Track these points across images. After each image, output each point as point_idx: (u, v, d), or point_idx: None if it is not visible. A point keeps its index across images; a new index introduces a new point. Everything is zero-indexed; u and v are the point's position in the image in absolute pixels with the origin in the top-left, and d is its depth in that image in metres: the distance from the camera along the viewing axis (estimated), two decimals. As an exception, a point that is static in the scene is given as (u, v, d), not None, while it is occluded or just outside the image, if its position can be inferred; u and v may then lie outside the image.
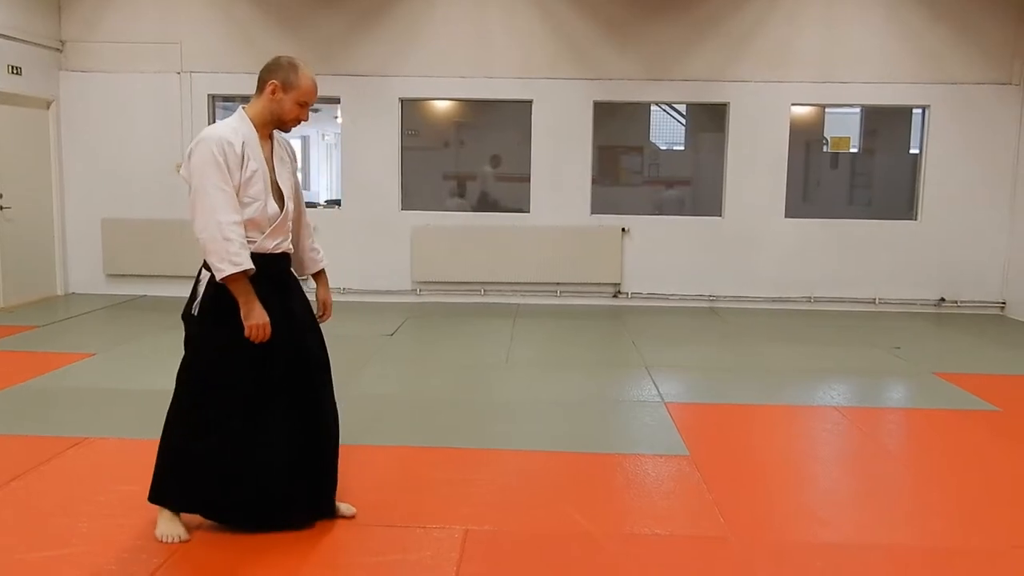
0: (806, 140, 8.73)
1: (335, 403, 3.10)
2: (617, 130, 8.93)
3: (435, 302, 8.38)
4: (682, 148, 9.55)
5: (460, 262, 8.33)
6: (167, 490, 2.91)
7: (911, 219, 8.40)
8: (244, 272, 2.69)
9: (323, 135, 15.10)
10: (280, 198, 2.92)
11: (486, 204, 8.86)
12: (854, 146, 9.05)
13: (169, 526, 2.92)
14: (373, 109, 8.29)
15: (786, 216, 8.32)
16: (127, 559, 2.79)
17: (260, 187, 2.80)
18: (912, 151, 8.57)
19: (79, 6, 8.26)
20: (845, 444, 4.33)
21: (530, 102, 8.27)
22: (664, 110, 9.15)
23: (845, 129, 9.05)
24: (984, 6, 8.00)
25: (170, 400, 2.93)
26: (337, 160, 11.32)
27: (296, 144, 13.65)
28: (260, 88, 2.87)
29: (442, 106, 8.81)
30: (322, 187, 15.39)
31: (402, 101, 8.34)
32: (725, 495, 3.45)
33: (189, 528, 2.95)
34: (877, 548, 3.01)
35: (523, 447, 4.03)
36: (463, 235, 8.35)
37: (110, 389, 4.97)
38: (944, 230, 8.28)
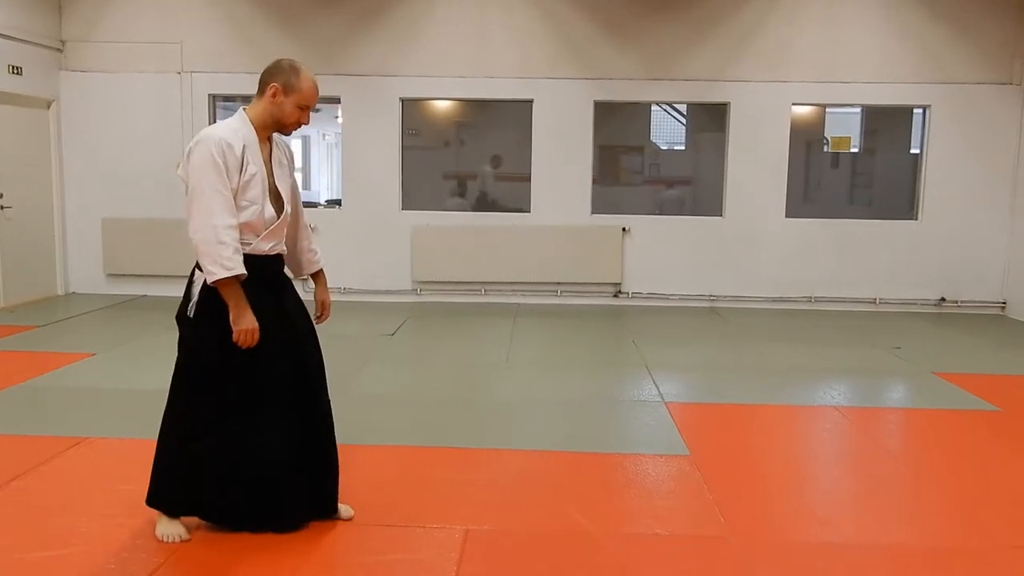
0: (807, 140, 8.72)
1: (329, 403, 3.10)
2: (617, 130, 8.93)
3: (435, 302, 8.38)
4: (683, 148, 9.55)
5: (460, 262, 8.33)
6: (164, 494, 2.91)
7: (912, 219, 8.40)
8: (236, 277, 2.69)
9: (323, 135, 15.10)
10: (278, 201, 2.92)
11: (487, 204, 8.86)
12: (854, 146, 9.05)
13: (169, 526, 2.92)
14: (373, 109, 8.29)
15: (787, 216, 8.32)
16: (127, 559, 2.79)
17: (258, 190, 2.80)
18: (912, 151, 8.57)
19: (79, 6, 8.26)
20: (845, 444, 4.33)
21: (530, 102, 8.27)
22: (664, 110, 9.15)
23: (846, 129, 9.04)
24: (984, 6, 8.00)
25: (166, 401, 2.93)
26: (337, 160, 11.32)
27: (296, 144, 13.66)
28: (261, 90, 2.87)
29: (442, 106, 8.81)
30: (322, 187, 15.39)
31: (402, 101, 8.34)
32: (725, 495, 3.45)
33: (189, 528, 2.95)
34: (877, 548, 3.01)
35: (523, 447, 4.03)
36: (463, 235, 8.35)
37: (110, 389, 4.97)
38: (944, 230, 8.28)
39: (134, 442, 3.88)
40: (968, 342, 6.97)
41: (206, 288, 2.75)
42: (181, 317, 2.86)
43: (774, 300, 8.39)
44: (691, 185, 9.11)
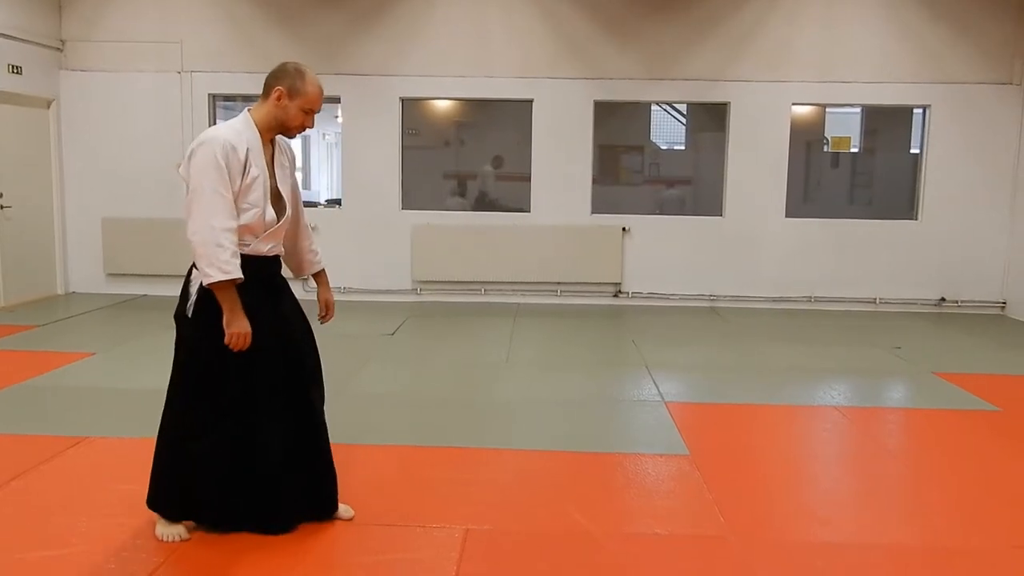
0: (807, 140, 8.72)
1: (323, 404, 3.10)
2: (618, 129, 8.93)
3: (435, 301, 8.38)
4: (682, 148, 9.55)
5: (460, 261, 8.33)
6: (163, 496, 2.91)
7: (911, 219, 8.40)
8: (232, 281, 2.69)
9: (323, 134, 15.10)
10: (279, 204, 2.91)
11: (487, 204, 8.86)
12: (854, 146, 9.05)
13: (169, 526, 2.92)
14: (373, 108, 8.29)
15: (787, 216, 8.32)
16: (127, 558, 2.79)
17: (259, 193, 2.79)
18: (912, 151, 8.57)
19: (79, 5, 8.26)
20: (845, 444, 4.33)
21: (530, 101, 8.27)
22: (665, 109, 9.15)
23: (846, 129, 9.05)
24: (984, 6, 8.00)
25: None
26: (337, 159, 11.32)
27: (296, 143, 13.60)
28: (266, 93, 2.86)
29: (442, 105, 8.81)
30: (322, 186, 15.39)
31: (402, 100, 8.34)
32: (725, 495, 3.45)
33: (188, 528, 2.95)
34: (877, 548, 3.01)
35: (523, 447, 4.03)
36: (463, 234, 8.35)
37: (110, 388, 4.97)
38: (944, 230, 8.27)
39: (134, 441, 3.88)
40: (968, 342, 6.97)
41: (203, 288, 2.75)
42: (180, 316, 2.86)
43: (774, 300, 8.39)
44: (691, 185, 9.12)
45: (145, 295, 8.35)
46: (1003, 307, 8.33)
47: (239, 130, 2.80)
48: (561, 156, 8.30)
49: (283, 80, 2.83)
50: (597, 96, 8.22)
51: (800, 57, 8.12)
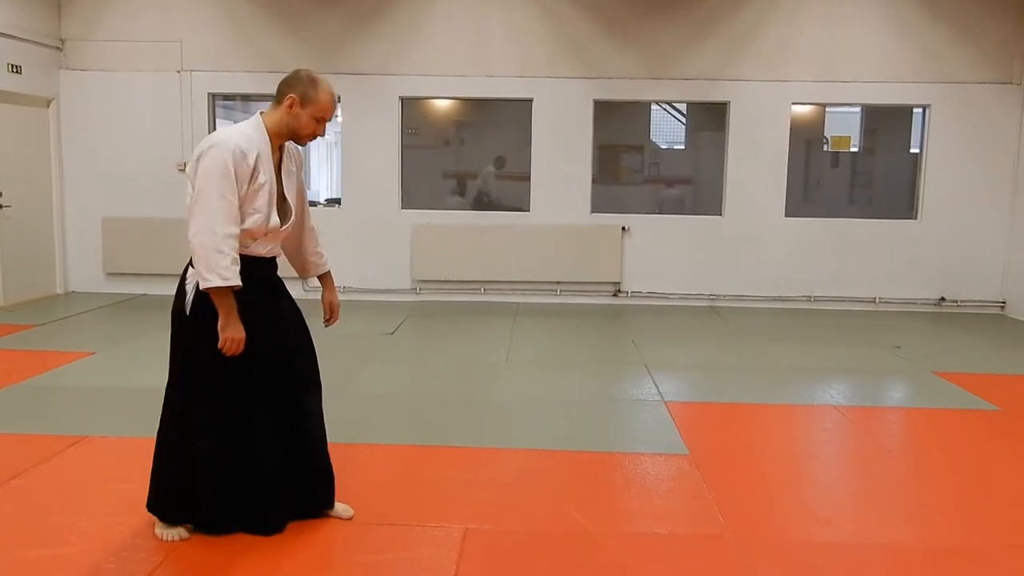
0: (806, 139, 8.73)
1: (320, 404, 3.11)
2: (617, 129, 8.93)
3: (435, 301, 8.38)
4: (682, 147, 9.55)
5: (460, 261, 8.33)
6: (163, 498, 2.90)
7: (911, 218, 8.40)
8: (230, 287, 2.68)
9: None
10: (284, 209, 2.91)
11: (489, 204, 8.86)
12: (854, 145, 9.05)
13: (169, 526, 2.91)
14: (373, 108, 8.29)
15: (786, 215, 8.32)
16: (126, 557, 2.79)
17: (265, 199, 2.78)
18: (912, 150, 8.57)
19: (79, 4, 8.25)
20: (845, 443, 4.33)
21: (530, 101, 8.27)
22: (664, 109, 9.15)
23: (845, 128, 9.05)
24: (984, 5, 8.00)
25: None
26: (337, 159, 11.31)
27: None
28: (278, 100, 2.84)
29: (442, 105, 8.81)
30: (322, 186, 15.37)
31: (402, 100, 8.34)
32: (724, 494, 3.45)
33: (188, 528, 2.94)
34: (876, 547, 3.01)
35: (523, 446, 4.03)
36: (463, 234, 8.35)
37: (109, 388, 4.97)
38: (944, 229, 8.27)
39: (133, 441, 3.88)
40: (968, 341, 6.97)
41: (199, 288, 2.75)
42: (177, 314, 2.85)
43: (774, 299, 8.39)
44: (691, 184, 9.12)
45: (144, 294, 8.35)
46: (1003, 307, 8.33)
47: (250, 136, 2.78)
48: (561, 155, 8.30)
49: (296, 88, 2.82)
50: (597, 95, 8.22)
51: (800, 56, 8.12)
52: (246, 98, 9.41)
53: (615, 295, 8.44)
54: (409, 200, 8.50)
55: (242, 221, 2.73)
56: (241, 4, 8.20)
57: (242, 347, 2.74)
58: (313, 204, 10.43)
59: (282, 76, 2.91)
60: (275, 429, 2.90)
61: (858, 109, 8.83)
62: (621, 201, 8.74)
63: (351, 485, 3.30)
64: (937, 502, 3.47)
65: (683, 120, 9.34)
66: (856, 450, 4.23)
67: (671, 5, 8.11)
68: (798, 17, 8.09)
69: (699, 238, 8.38)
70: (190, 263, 2.78)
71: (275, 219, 2.85)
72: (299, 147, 3.06)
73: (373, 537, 2.99)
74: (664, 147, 9.54)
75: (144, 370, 5.34)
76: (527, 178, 8.39)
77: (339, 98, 8.25)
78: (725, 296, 8.40)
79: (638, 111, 9.04)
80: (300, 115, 2.83)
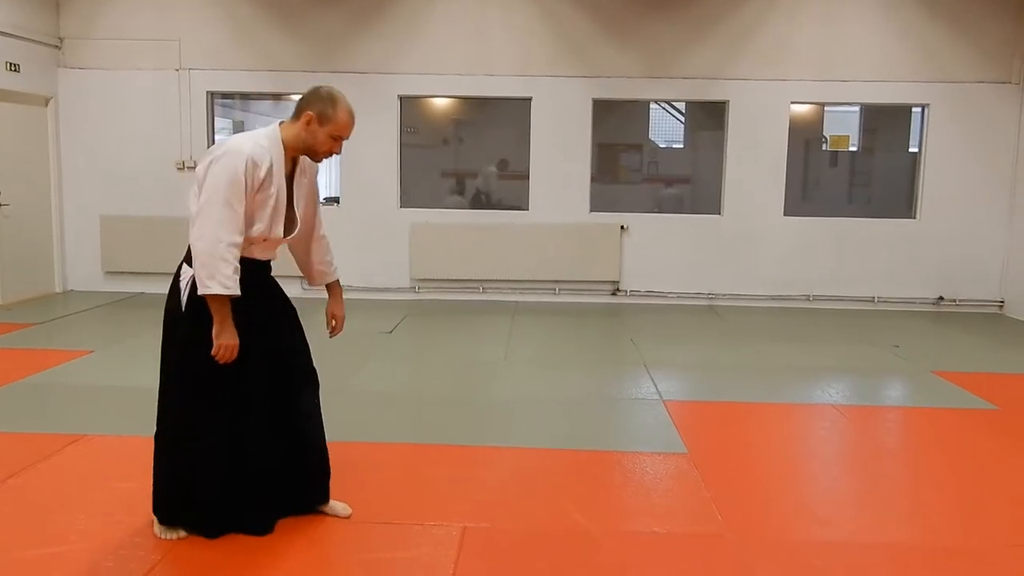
0: (805, 138, 8.73)
1: (319, 402, 3.11)
2: (616, 128, 8.92)
3: (434, 299, 8.38)
4: (681, 146, 9.54)
5: (459, 260, 8.33)
6: (166, 501, 2.90)
7: (910, 218, 8.40)
8: (229, 296, 2.68)
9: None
10: (291, 220, 2.90)
11: (487, 203, 8.85)
12: (853, 144, 9.05)
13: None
14: (372, 106, 8.26)
15: (785, 214, 8.32)
16: (125, 556, 2.79)
17: (271, 210, 2.77)
18: (911, 150, 8.57)
19: (77, 3, 8.24)
20: (844, 442, 4.33)
21: (529, 100, 8.26)
22: (663, 108, 9.15)
23: (844, 127, 9.04)
24: (984, 5, 8.00)
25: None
26: (336, 157, 11.32)
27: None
28: (297, 115, 2.82)
29: (441, 103, 8.80)
30: (321, 185, 15.37)
31: (401, 98, 8.33)
32: (723, 493, 3.45)
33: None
34: (876, 547, 3.01)
35: (521, 445, 4.03)
36: (462, 233, 8.34)
37: (108, 386, 4.96)
38: (943, 229, 8.28)
39: (132, 439, 3.88)
40: (966, 341, 6.98)
41: (195, 288, 2.74)
42: (172, 313, 2.84)
43: (772, 298, 8.39)
44: (690, 183, 9.11)
45: (143, 293, 8.34)
46: (1001, 306, 8.33)
47: (264, 146, 2.75)
48: (560, 154, 8.29)
49: (314, 105, 2.79)
50: (596, 94, 8.22)
51: (799, 55, 8.12)
52: (245, 97, 9.41)
53: (614, 294, 8.44)
54: (408, 199, 8.49)
55: (246, 230, 2.72)
56: (240, 2, 8.18)
57: (236, 354, 2.73)
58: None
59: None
60: (273, 429, 2.90)
61: (857, 108, 8.83)
62: (620, 200, 8.74)
63: (349, 484, 3.30)
64: (936, 501, 3.48)
65: (682, 119, 9.34)
66: (855, 449, 4.23)
67: (670, 4, 8.11)
68: (797, 16, 8.09)
69: (698, 237, 8.38)
70: (183, 262, 2.78)
71: (278, 230, 2.84)
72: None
73: (371, 536, 2.99)
74: (663, 146, 9.54)
75: (142, 369, 5.33)
76: (526, 177, 8.39)
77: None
78: (724, 295, 8.41)
79: (637, 110, 9.04)
80: (317, 132, 2.80)
